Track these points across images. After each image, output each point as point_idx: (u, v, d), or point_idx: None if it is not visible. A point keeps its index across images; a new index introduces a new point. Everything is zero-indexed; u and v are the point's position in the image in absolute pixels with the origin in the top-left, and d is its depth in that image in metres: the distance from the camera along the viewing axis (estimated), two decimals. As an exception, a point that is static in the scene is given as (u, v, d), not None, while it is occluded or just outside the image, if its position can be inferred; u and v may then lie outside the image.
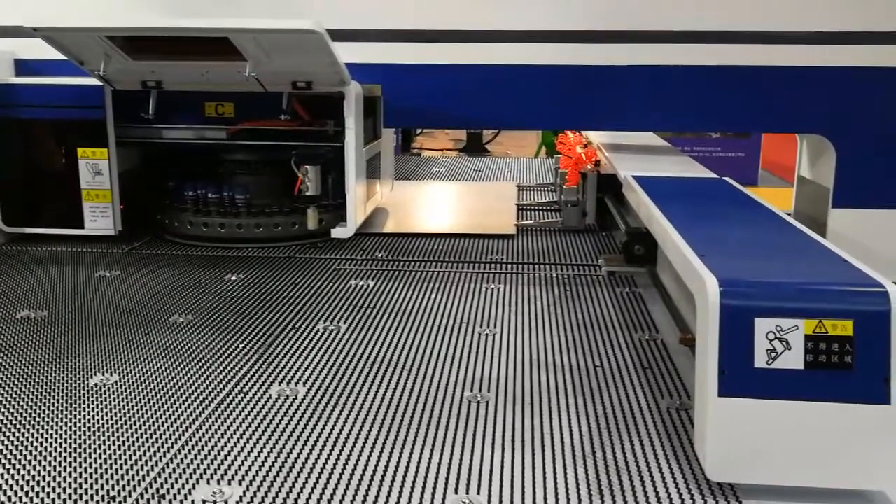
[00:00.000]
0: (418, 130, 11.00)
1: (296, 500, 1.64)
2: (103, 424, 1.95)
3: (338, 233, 3.54)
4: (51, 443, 1.87)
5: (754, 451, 1.65)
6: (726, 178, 3.13)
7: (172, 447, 1.84)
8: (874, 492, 1.67)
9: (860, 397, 1.61)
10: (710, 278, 1.68)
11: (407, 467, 1.77)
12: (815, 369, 1.62)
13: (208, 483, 1.70)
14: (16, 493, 1.66)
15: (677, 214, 2.37)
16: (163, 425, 1.95)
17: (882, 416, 1.60)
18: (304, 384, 2.19)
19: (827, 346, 1.61)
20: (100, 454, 1.81)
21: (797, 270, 1.87)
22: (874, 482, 1.65)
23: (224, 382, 2.20)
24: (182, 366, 2.30)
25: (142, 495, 1.65)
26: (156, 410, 2.02)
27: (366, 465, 1.77)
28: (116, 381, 2.19)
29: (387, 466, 1.77)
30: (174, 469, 1.75)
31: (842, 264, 1.86)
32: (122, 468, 1.75)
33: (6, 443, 1.87)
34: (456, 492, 1.67)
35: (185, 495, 1.65)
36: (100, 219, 3.57)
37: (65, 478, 1.72)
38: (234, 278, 3.14)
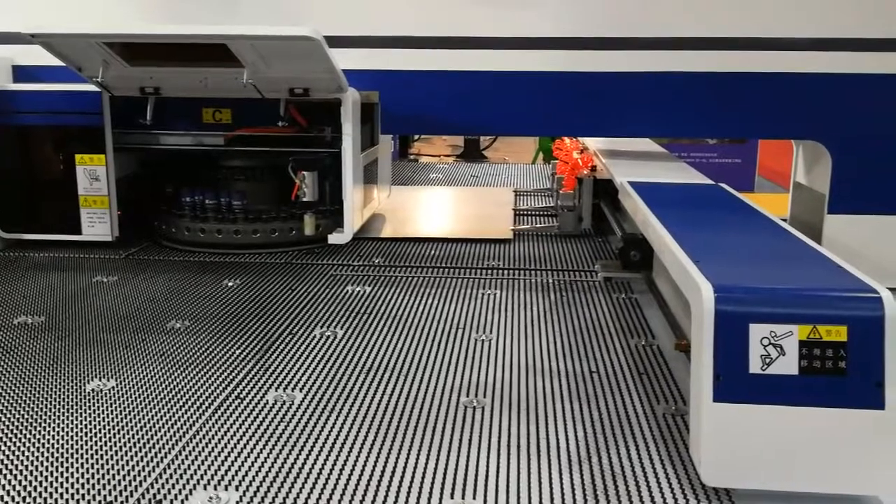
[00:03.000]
0: (416, 136, 11.01)
1: (292, 505, 1.65)
2: (100, 430, 1.95)
3: (335, 238, 3.55)
4: (47, 448, 1.87)
5: (749, 457, 1.66)
6: (722, 185, 3.14)
7: (169, 452, 1.84)
8: (869, 497, 1.67)
9: (854, 402, 1.62)
10: (705, 284, 1.69)
11: (403, 472, 1.77)
12: (809, 375, 1.63)
13: (205, 488, 1.70)
14: (13, 498, 1.67)
15: (673, 220, 2.38)
16: (159, 431, 1.95)
17: (876, 421, 1.61)
18: (301, 390, 2.19)
19: (821, 352, 1.62)
20: (96, 460, 1.81)
21: (792, 276, 1.88)
22: (869, 487, 1.66)
23: (221, 388, 2.20)
24: (179, 371, 2.31)
25: (139, 501, 1.65)
26: (152, 416, 2.03)
27: (362, 470, 1.78)
28: (113, 387, 2.19)
29: (383, 471, 1.77)
30: (171, 474, 1.75)
31: (836, 270, 1.87)
32: (118, 473, 1.75)
33: (2, 448, 1.87)
34: (452, 496, 1.68)
35: (182, 501, 1.65)
36: (97, 225, 3.57)
37: (61, 483, 1.72)
38: (231, 284, 3.14)
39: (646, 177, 3.26)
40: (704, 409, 1.65)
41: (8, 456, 1.84)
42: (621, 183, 3.15)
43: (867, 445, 1.62)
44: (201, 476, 1.75)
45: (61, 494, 1.67)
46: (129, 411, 2.05)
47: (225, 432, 1.95)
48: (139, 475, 1.75)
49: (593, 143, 4.65)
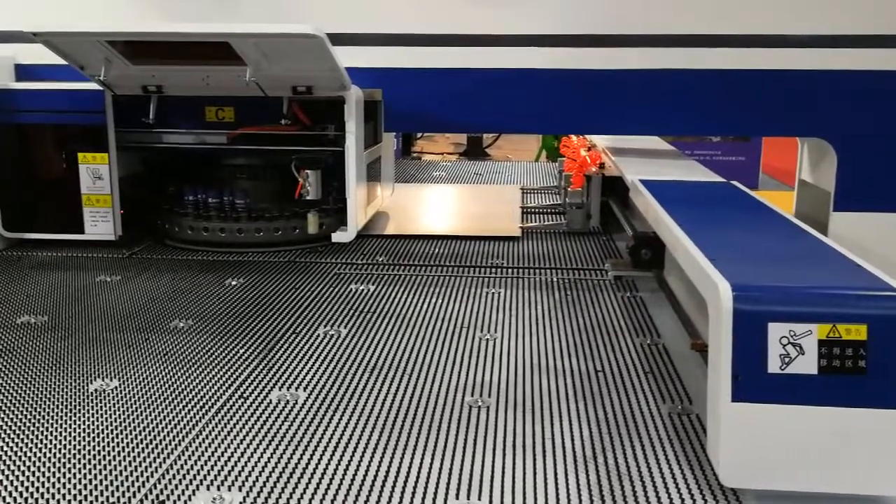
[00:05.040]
0: (419, 134, 11.00)
1: (297, 506, 1.63)
2: (103, 430, 1.93)
3: (338, 237, 3.54)
4: (50, 448, 1.85)
5: (768, 457, 1.64)
6: (734, 182, 3.11)
7: (172, 452, 1.83)
8: (891, 497, 1.65)
9: (874, 402, 1.59)
10: (723, 283, 1.67)
11: (408, 472, 1.75)
12: (828, 374, 1.60)
13: (208, 489, 1.69)
14: (15, 499, 1.65)
15: (686, 218, 2.36)
16: (163, 430, 1.93)
17: None
18: (305, 389, 2.18)
19: (841, 351, 1.60)
20: (100, 460, 1.80)
21: (810, 275, 1.86)
22: (890, 488, 1.64)
23: (224, 387, 2.19)
24: (182, 371, 2.29)
25: (142, 501, 1.64)
26: (156, 416, 2.01)
27: (366, 471, 1.76)
28: (116, 387, 2.18)
29: (388, 471, 1.76)
30: (174, 475, 1.74)
31: (855, 269, 1.84)
32: (122, 474, 1.74)
33: (5, 448, 1.86)
34: (457, 497, 1.66)
35: (186, 501, 1.64)
36: (100, 224, 3.56)
37: (64, 484, 1.70)
38: (234, 283, 3.13)
39: (657, 175, 3.24)
40: (723, 409, 1.63)
41: (10, 456, 1.82)
42: (632, 181, 3.13)
43: (888, 445, 1.60)
44: (205, 476, 1.73)
45: (63, 495, 1.66)
46: (133, 411, 2.04)
47: (228, 432, 1.93)
48: (142, 475, 1.73)
49: (601, 140, 4.63)
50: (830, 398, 1.61)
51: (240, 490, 1.68)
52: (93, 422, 1.98)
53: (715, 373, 1.68)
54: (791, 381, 1.61)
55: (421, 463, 1.79)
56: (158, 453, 1.83)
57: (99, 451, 1.83)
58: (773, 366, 1.61)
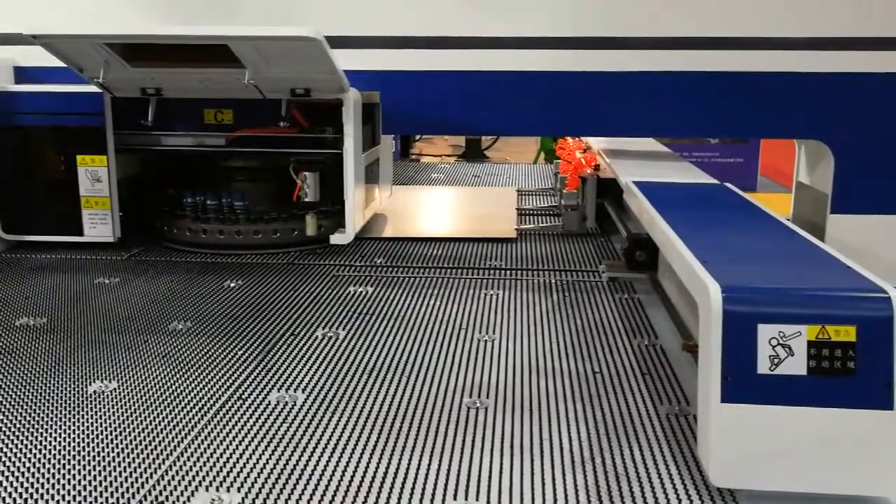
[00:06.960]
0: (417, 136, 11.01)
1: (295, 506, 1.64)
2: (102, 432, 1.94)
3: (337, 239, 3.55)
4: (50, 450, 1.86)
5: (758, 457, 1.65)
6: (728, 185, 3.12)
7: (171, 454, 1.84)
8: (878, 498, 1.66)
9: (863, 403, 1.60)
10: (713, 284, 1.68)
11: (406, 473, 1.76)
12: (818, 375, 1.61)
13: (207, 490, 1.69)
14: (14, 500, 1.66)
15: (679, 220, 2.37)
16: (162, 432, 1.94)
17: (885, 421, 1.60)
18: (303, 391, 2.19)
19: (830, 352, 1.61)
20: (99, 461, 1.80)
21: (800, 276, 1.87)
22: (878, 488, 1.65)
23: (223, 389, 2.19)
24: (181, 373, 2.30)
25: (141, 502, 1.65)
26: (155, 417, 2.02)
27: (365, 472, 1.77)
28: (115, 388, 2.19)
29: (386, 472, 1.76)
30: (173, 476, 1.74)
31: (844, 270, 1.85)
32: (121, 475, 1.74)
33: (5, 450, 1.87)
34: (455, 498, 1.67)
35: (185, 502, 1.65)
36: (99, 226, 3.57)
37: (63, 485, 1.71)
38: (232, 285, 3.14)
39: (651, 177, 3.25)
40: (712, 410, 1.64)
41: (10, 457, 1.83)
42: (627, 183, 3.14)
43: (877, 446, 1.61)
44: (203, 477, 1.74)
45: (63, 496, 1.67)
46: (131, 412, 2.04)
47: (227, 433, 1.94)
48: (141, 477, 1.74)
49: (596, 142, 4.64)
50: (820, 399, 1.62)
51: (238, 491, 1.69)
52: (92, 423, 1.99)
53: (705, 374, 1.69)
54: (780, 381, 1.62)
55: (419, 464, 1.80)
56: (157, 454, 1.83)
57: (98, 453, 1.84)
58: (763, 367, 1.62)
